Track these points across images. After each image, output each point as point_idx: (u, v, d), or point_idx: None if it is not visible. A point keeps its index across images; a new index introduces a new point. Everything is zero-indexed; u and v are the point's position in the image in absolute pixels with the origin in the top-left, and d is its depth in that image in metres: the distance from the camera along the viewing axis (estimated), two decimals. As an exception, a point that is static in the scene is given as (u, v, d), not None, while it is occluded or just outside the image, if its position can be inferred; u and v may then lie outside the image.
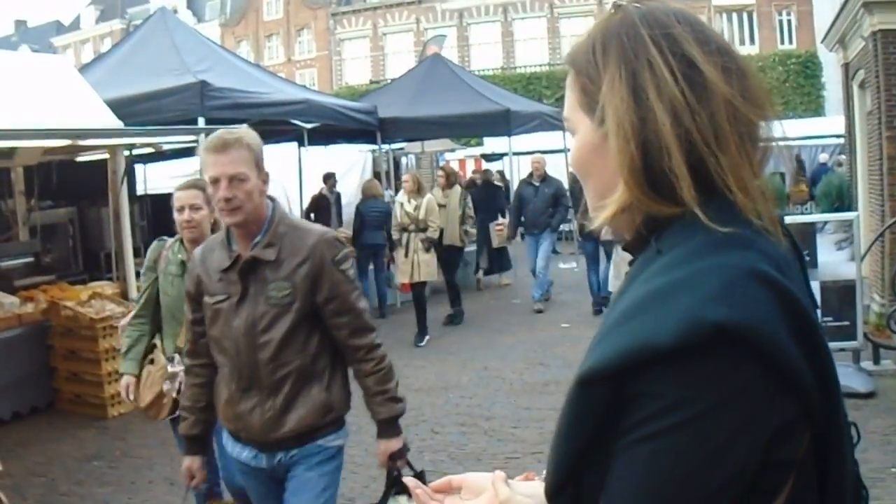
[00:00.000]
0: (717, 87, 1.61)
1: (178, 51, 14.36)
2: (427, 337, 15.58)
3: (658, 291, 1.51)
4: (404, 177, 17.15)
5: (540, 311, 17.55)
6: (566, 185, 18.40)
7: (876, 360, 11.36)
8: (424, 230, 15.78)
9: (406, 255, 15.87)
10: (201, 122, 12.58)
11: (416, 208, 15.83)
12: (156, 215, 16.81)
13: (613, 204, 1.67)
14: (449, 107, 19.30)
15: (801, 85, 50.12)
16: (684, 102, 1.59)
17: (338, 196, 20.83)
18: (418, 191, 16.01)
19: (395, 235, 16.42)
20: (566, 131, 1.90)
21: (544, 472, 1.73)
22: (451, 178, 17.63)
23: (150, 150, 15.55)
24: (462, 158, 33.75)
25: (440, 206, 16.47)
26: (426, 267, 15.89)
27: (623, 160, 1.62)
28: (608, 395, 1.48)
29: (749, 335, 1.42)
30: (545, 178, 18.20)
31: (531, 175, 18.46)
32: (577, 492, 1.59)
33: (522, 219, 18.60)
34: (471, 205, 17.64)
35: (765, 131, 1.70)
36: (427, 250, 15.81)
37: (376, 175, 22.69)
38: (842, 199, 18.75)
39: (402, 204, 16.11)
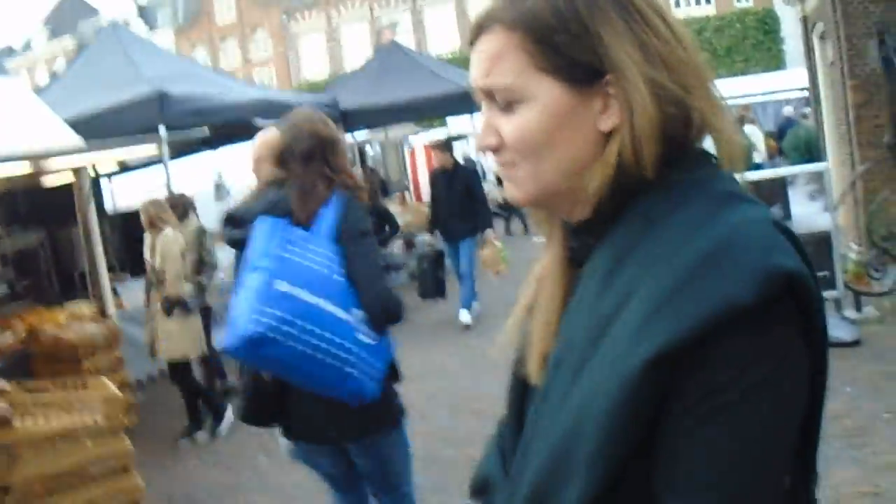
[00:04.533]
0: (687, 38, 1.59)
1: (133, 63, 14.32)
2: (200, 433, 10.91)
3: (709, 252, 1.39)
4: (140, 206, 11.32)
5: (468, 327, 14.50)
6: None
7: (858, 309, 11.46)
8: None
9: (149, 320, 11.10)
10: (162, 130, 12.54)
11: (153, 252, 10.88)
12: (125, 231, 16.77)
13: (606, 168, 1.54)
14: (409, 91, 19.26)
15: (759, 41, 50.97)
16: (675, 54, 1.55)
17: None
18: (151, 225, 10.88)
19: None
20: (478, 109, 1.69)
21: None
22: (164, 217, 10.94)
23: (114, 166, 15.49)
24: (427, 145, 33.67)
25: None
26: (175, 340, 10.69)
27: (648, 117, 1.50)
28: (670, 373, 1.37)
29: (805, 284, 1.40)
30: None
31: None
32: (616, 497, 1.45)
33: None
34: (210, 247, 12.30)
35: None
36: (168, 314, 10.60)
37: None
38: (810, 151, 18.85)
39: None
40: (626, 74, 1.51)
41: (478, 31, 1.64)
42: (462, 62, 42.96)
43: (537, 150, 1.59)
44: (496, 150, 1.65)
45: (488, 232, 14.46)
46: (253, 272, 4.21)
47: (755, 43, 50.92)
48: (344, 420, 4.60)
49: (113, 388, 8.04)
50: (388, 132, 30.34)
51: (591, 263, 1.60)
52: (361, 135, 25.13)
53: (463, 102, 19.32)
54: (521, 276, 1.98)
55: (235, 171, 20.83)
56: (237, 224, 4.80)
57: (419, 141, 35.07)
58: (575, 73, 1.55)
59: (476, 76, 1.65)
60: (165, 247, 10.69)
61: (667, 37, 1.56)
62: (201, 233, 12.27)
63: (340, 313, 4.23)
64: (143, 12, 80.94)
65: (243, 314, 4.09)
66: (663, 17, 1.58)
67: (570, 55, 1.55)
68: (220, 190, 20.21)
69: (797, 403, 1.43)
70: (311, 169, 4.59)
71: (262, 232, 4.35)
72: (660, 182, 1.53)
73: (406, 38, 55.33)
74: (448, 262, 15.25)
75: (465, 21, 62.60)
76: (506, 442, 1.90)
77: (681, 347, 1.34)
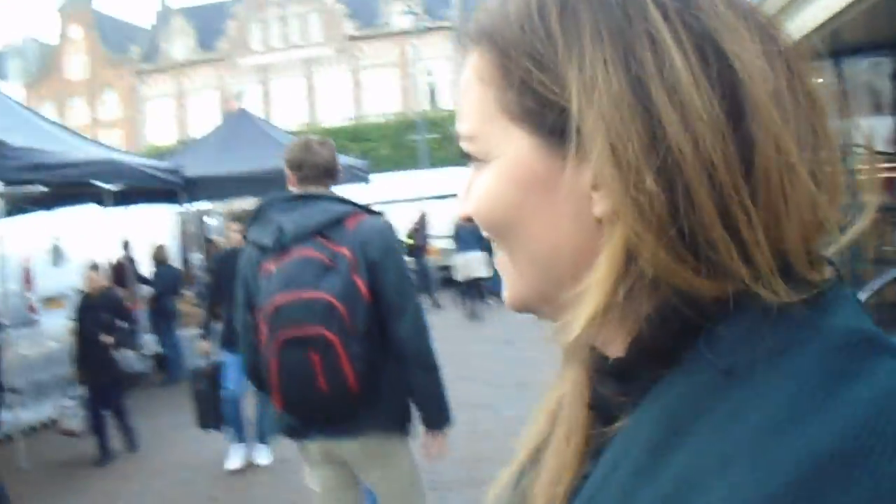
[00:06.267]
0: (756, 93, 0.92)
1: (-32, 109, 13.94)
2: None
3: (831, 453, 0.78)
4: None
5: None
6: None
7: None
8: None
9: None
10: (-1, 184, 12.19)
11: None
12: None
13: (609, 279, 0.96)
14: (255, 163, 18.82)
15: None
16: (708, 113, 0.91)
17: (132, 261, 20.52)
18: None
19: None
20: (464, 159, 1.13)
21: None
22: None
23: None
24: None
25: None
26: None
27: (633, 199, 0.92)
28: None
29: None
30: None
31: None
32: None
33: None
34: None
35: (833, 165, 0.98)
36: None
37: (184, 236, 22.37)
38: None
39: None
40: (597, 130, 0.94)
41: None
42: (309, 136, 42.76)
43: (505, 230, 1.08)
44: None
45: None
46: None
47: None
48: None
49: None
50: (233, 204, 29.90)
51: (628, 425, 1.00)
52: (206, 205, 24.69)
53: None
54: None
55: (75, 234, 20.26)
56: None
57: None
58: (548, 120, 1.00)
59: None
60: None
61: (727, 87, 0.93)
62: None
63: None
64: (-6, 62, 79.63)
65: None
66: (727, 51, 0.94)
67: (541, 92, 1.00)
68: (57, 254, 19.66)
69: None
70: None
71: None
72: (746, 309, 0.92)
73: (254, 110, 55.34)
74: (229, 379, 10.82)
75: (313, 95, 62.86)
76: None
77: None
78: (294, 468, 10.45)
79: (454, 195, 30.12)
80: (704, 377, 0.91)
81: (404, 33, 59.91)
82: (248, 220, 5.20)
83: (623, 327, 1.01)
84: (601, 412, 1.10)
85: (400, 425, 5.09)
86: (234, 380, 10.41)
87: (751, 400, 0.86)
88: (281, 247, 4.80)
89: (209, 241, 27.97)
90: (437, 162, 44.82)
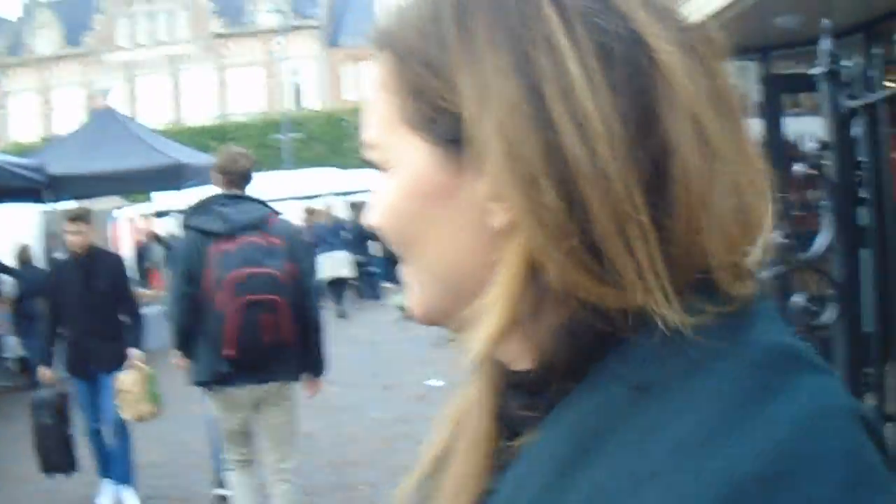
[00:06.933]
0: (677, 94, 0.89)
1: None
2: None
3: (750, 476, 0.75)
4: None
5: None
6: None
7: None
8: None
9: None
10: None
11: None
12: None
13: (508, 294, 0.93)
14: (120, 161, 18.58)
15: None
16: (606, 122, 0.87)
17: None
18: None
19: None
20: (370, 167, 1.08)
21: None
22: None
23: None
24: (132, 217, 32.88)
25: None
26: None
27: (533, 210, 0.89)
28: None
29: None
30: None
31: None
32: None
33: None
34: None
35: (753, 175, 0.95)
36: None
37: (48, 237, 22.18)
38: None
39: None
40: (488, 136, 0.91)
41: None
42: (172, 136, 42.10)
43: (407, 243, 1.06)
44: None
45: (134, 353, 9.03)
46: None
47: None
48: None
49: None
50: (96, 203, 29.17)
51: (535, 441, 0.96)
52: (71, 204, 24.10)
53: (172, 177, 18.56)
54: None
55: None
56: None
57: (124, 215, 34.00)
58: (444, 129, 0.98)
59: None
60: None
61: (585, 102, 0.88)
62: None
63: None
64: None
65: None
66: (648, 42, 0.91)
67: (435, 100, 0.98)
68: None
69: None
70: None
71: None
72: (645, 321, 0.88)
73: (120, 107, 54.57)
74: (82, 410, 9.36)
75: (178, 93, 62.43)
76: None
77: None
78: (160, 473, 10.59)
79: (317, 196, 30.06)
80: (615, 392, 0.88)
81: (271, 32, 59.47)
82: (190, 210, 6.77)
83: (530, 340, 0.98)
84: (507, 425, 1.06)
85: (299, 374, 6.90)
86: (88, 407, 9.22)
87: (665, 417, 0.82)
88: (230, 233, 6.33)
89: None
90: (300, 162, 44.68)
